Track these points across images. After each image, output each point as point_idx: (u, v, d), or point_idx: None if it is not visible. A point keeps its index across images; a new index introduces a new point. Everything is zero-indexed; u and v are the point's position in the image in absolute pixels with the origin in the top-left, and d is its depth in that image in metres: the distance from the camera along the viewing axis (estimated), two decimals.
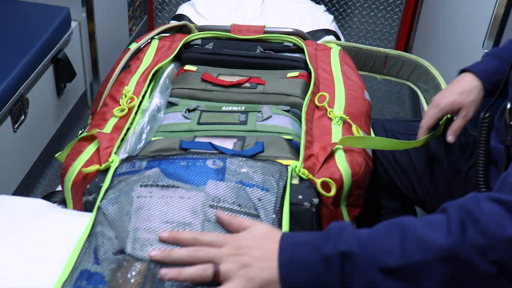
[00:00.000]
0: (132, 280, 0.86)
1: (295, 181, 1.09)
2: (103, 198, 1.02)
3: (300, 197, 1.06)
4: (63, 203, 1.29)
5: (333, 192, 1.11)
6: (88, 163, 1.17)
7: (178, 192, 1.01)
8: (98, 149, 1.19)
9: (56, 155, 1.35)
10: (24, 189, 2.16)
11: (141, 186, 1.02)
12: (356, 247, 0.84)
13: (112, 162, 1.12)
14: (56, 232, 0.99)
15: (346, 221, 0.90)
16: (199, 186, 1.01)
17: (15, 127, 2.02)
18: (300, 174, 1.10)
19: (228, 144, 1.20)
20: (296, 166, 1.10)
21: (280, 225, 0.99)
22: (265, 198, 1.02)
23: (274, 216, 0.99)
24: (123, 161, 1.12)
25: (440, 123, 1.34)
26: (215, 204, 0.99)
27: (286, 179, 1.06)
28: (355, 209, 1.22)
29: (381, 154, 1.48)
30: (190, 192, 1.01)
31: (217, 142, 1.19)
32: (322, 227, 1.11)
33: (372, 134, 1.41)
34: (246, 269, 0.87)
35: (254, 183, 1.04)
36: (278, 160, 1.12)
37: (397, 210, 1.57)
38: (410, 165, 1.46)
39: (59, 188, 1.40)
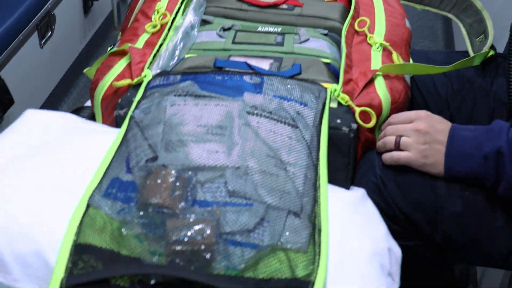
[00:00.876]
0: (164, 185, 0.83)
1: (334, 105, 1.06)
2: (135, 108, 1.00)
3: (339, 121, 1.03)
4: (91, 118, 1.26)
5: (372, 122, 1.07)
6: (119, 77, 1.14)
7: (214, 101, 0.98)
8: (129, 64, 1.16)
9: (84, 70, 1.32)
10: (50, 106, 2.14)
11: (175, 95, 0.99)
12: (506, 147, 0.97)
13: (145, 76, 1.09)
14: (87, 146, 0.97)
15: (505, 122, 1.02)
16: (236, 97, 0.98)
17: (42, 43, 2.00)
18: (339, 99, 1.06)
19: (264, 65, 1.16)
20: (335, 90, 1.06)
21: (318, 139, 0.96)
22: (304, 112, 0.99)
23: (313, 129, 0.96)
24: (156, 76, 1.08)
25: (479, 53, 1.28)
26: (252, 111, 0.95)
27: (325, 100, 1.03)
28: None
29: (422, 84, 1.43)
30: (227, 101, 0.98)
31: (253, 62, 1.15)
32: (358, 152, 1.09)
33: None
34: (425, 146, 1.03)
35: (292, 97, 1.01)
36: None
37: None
38: (451, 94, 1.42)
39: (87, 104, 1.38)
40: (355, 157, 1.08)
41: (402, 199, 1.05)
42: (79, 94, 2.36)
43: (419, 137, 1.04)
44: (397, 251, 0.92)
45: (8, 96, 1.72)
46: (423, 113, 1.08)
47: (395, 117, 1.09)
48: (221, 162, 0.87)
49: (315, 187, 0.88)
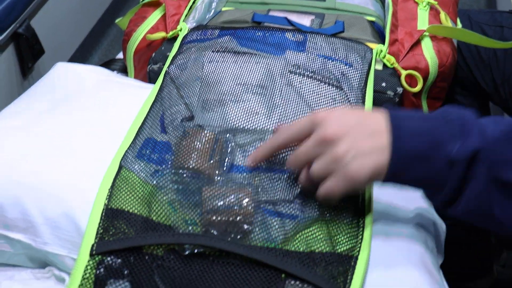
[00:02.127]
0: (201, 148, 0.78)
1: (379, 67, 1.00)
2: (170, 63, 0.95)
3: (384, 84, 0.97)
4: (123, 71, 1.22)
5: (418, 87, 1.01)
6: (153, 30, 1.09)
7: (254, 58, 0.93)
8: (164, 16, 1.11)
9: (116, 21, 1.27)
10: (80, 56, 2.11)
11: (213, 51, 0.95)
12: (483, 152, 0.68)
13: (180, 30, 1.04)
14: (120, 102, 0.92)
15: (465, 110, 0.72)
16: (277, 55, 0.93)
17: None
18: (385, 60, 1.00)
19: (305, 21, 1.09)
20: (381, 51, 1.00)
21: (363, 103, 0.91)
22: (349, 73, 0.93)
23: (358, 91, 0.91)
24: (192, 29, 1.03)
25: None
26: (295, 71, 0.90)
27: (371, 61, 0.97)
28: (437, 102, 1.12)
29: (464, 45, 1.36)
30: (268, 58, 0.93)
31: (293, 17, 1.09)
32: None
33: (459, 24, 1.28)
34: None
35: (337, 57, 0.95)
36: None
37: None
38: (494, 61, 1.34)
39: (118, 57, 1.34)
40: None
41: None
42: (109, 45, 2.32)
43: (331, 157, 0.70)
44: (442, 226, 0.87)
45: (38, 46, 1.69)
46: (320, 115, 0.72)
47: (281, 133, 0.75)
48: (262, 125, 0.82)
49: None
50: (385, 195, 0.82)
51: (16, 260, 0.79)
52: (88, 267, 0.68)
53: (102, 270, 0.68)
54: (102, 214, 0.72)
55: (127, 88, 0.97)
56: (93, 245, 0.69)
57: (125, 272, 0.68)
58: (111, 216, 0.72)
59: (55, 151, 0.81)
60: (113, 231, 0.71)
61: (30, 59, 1.66)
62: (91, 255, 0.69)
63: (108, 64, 1.32)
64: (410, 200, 0.84)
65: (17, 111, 0.90)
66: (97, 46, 2.29)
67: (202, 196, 0.73)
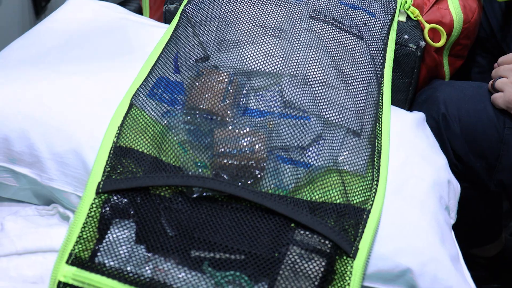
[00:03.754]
0: (215, 89, 0.76)
1: (402, 18, 0.96)
2: (188, 2, 0.92)
3: (406, 37, 0.94)
4: (138, 12, 1.19)
5: (441, 42, 0.98)
6: None
7: (275, 0, 0.90)
8: None
9: None
10: None
11: None
12: None
13: None
14: (134, 40, 0.89)
15: None
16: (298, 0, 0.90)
17: None
18: (409, 12, 0.96)
19: None
20: (405, 1, 0.96)
21: (384, 54, 0.88)
22: (371, 22, 0.90)
23: (379, 42, 0.88)
24: None
25: None
26: (316, 16, 0.87)
27: (395, 12, 0.93)
28: (458, 60, 1.09)
29: (488, 5, 1.31)
30: (288, 2, 0.90)
31: None
32: (420, 73, 1.00)
33: None
34: None
35: (360, 5, 0.92)
36: None
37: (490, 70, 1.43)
38: None
39: None
40: (417, 79, 0.99)
41: (462, 144, 0.96)
42: None
43: None
44: (457, 185, 0.85)
45: None
46: None
47: (503, 58, 0.97)
48: (278, 68, 0.80)
49: (377, 106, 0.81)
50: (401, 151, 0.79)
51: (22, 195, 0.78)
52: (94, 205, 0.66)
53: (107, 209, 0.66)
54: (110, 151, 0.70)
55: (143, 27, 0.94)
56: (99, 183, 0.67)
57: (131, 212, 0.66)
58: (120, 154, 0.70)
59: (65, 87, 0.78)
60: (120, 170, 0.69)
61: None
62: (97, 193, 0.67)
63: (123, 4, 1.29)
64: (427, 157, 0.82)
65: (28, 44, 0.88)
66: None
67: (214, 138, 0.70)
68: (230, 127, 0.72)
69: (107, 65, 0.83)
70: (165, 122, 0.73)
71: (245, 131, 0.71)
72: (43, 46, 0.86)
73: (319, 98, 0.78)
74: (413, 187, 0.76)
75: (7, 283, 0.68)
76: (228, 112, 0.74)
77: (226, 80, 0.77)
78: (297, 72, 0.79)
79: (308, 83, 0.78)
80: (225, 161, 0.69)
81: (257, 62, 0.80)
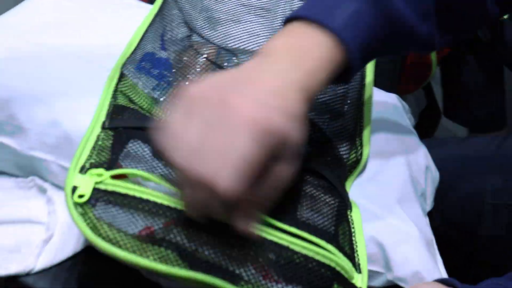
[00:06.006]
0: (200, 67, 0.76)
1: None
2: None
3: None
4: None
5: None
6: None
7: None
8: None
9: None
10: None
11: None
12: None
13: None
14: (118, 19, 0.90)
15: None
16: None
17: None
18: None
19: None
20: None
21: None
22: None
23: None
24: None
25: None
26: None
27: None
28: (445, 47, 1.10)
29: None
30: None
31: None
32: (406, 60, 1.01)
33: None
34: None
35: None
36: None
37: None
38: None
39: None
40: (403, 64, 1.00)
41: (438, 218, 0.92)
42: None
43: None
44: (435, 173, 0.86)
45: None
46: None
47: None
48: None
49: (361, 87, 0.82)
50: (381, 134, 0.80)
51: (2, 166, 0.77)
52: (101, 136, 0.65)
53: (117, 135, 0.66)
54: (109, 108, 0.69)
55: (128, 6, 0.95)
56: (104, 122, 0.67)
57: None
58: (120, 111, 0.70)
59: (46, 59, 0.78)
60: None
61: None
62: (103, 128, 0.66)
63: None
64: (403, 138, 0.85)
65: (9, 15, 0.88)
66: None
67: None
68: None
69: (93, 41, 0.83)
70: (155, 95, 0.74)
71: None
72: (26, 18, 0.86)
73: None
74: (389, 172, 0.78)
75: None
76: None
77: (214, 54, 0.78)
78: None
79: None
80: None
81: (241, 40, 0.81)
